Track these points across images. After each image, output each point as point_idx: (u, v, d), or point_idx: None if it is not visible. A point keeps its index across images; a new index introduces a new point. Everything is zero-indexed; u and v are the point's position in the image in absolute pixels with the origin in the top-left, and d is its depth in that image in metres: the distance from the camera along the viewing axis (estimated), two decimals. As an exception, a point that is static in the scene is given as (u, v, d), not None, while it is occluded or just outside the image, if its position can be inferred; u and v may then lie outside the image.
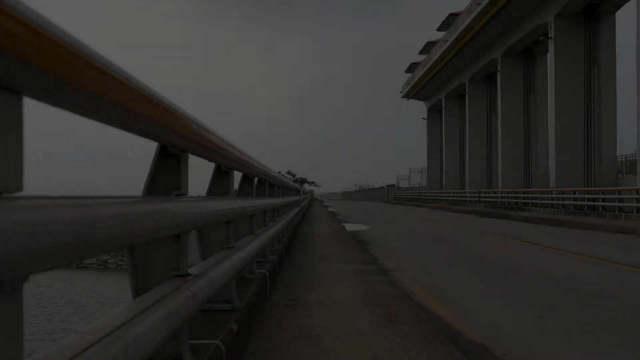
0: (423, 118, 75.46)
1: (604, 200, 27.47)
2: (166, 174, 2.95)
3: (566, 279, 9.35)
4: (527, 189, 39.51)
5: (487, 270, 10.44)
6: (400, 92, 77.38)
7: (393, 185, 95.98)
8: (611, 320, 6.34)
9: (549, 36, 36.03)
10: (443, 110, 65.65)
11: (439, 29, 59.71)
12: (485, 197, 43.96)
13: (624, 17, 35.11)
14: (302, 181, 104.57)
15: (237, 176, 5.81)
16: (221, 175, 4.62)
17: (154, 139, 2.62)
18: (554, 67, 35.35)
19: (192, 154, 3.12)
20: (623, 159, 33.96)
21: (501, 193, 41.08)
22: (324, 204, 65.69)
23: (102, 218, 1.58)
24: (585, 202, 28.91)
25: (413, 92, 71.80)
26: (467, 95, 55.87)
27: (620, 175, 33.67)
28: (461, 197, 51.33)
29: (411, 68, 72.81)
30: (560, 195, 31.45)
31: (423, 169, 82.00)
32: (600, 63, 34.45)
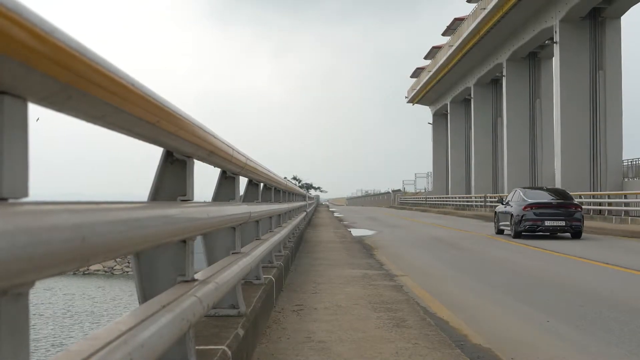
0: (429, 123, 75.44)
1: (610, 204, 27.40)
2: (172, 179, 2.95)
3: (578, 287, 9.32)
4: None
5: (493, 275, 10.42)
6: (406, 97, 77.35)
7: (399, 190, 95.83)
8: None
9: (554, 40, 36.00)
10: (448, 115, 65.61)
11: (444, 34, 59.71)
12: (491, 201, 43.85)
13: (627, 21, 35.03)
14: (308, 187, 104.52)
15: (243, 182, 5.82)
16: (227, 180, 4.62)
17: (160, 145, 2.62)
18: (559, 71, 35.30)
19: (198, 159, 3.12)
20: (629, 163, 33.90)
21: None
22: (330, 209, 65.66)
23: (108, 224, 1.58)
24: (591, 206, 28.84)
25: (418, 97, 71.77)
26: (472, 100, 55.83)
27: (626, 179, 33.59)
28: (467, 201, 51.22)
29: (416, 73, 72.79)
30: (567, 200, 31.35)
31: (429, 173, 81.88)
32: (605, 67, 34.39)
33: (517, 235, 19.35)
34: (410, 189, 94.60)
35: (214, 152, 3.16)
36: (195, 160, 3.06)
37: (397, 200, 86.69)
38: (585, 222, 20.48)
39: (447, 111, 66.23)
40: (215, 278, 3.17)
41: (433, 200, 64.07)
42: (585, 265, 11.76)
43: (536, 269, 11.37)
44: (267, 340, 5.04)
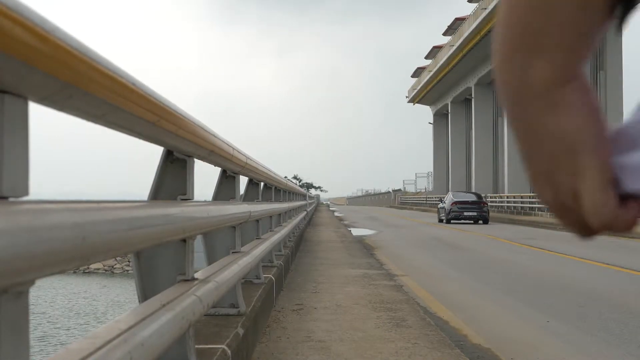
0: (429, 123, 75.41)
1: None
2: (172, 178, 2.95)
3: (576, 287, 9.34)
4: (534, 194, 39.33)
5: (493, 275, 10.42)
6: (406, 97, 77.32)
7: (399, 190, 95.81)
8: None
9: (555, 40, 35.97)
10: (449, 114, 65.55)
11: (445, 34, 59.68)
12: (491, 202, 43.81)
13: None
14: (309, 186, 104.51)
15: (243, 181, 5.82)
16: (227, 179, 4.63)
17: (160, 144, 2.62)
18: (560, 71, 35.26)
19: (198, 158, 3.12)
20: (630, 164, 33.87)
21: (507, 198, 40.97)
22: (330, 208, 65.66)
23: (108, 223, 1.58)
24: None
25: (419, 97, 71.73)
26: (473, 100, 55.76)
27: (627, 180, 33.56)
28: (467, 201, 51.18)
29: (417, 73, 72.77)
30: (567, 200, 31.35)
31: (429, 173, 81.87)
32: (606, 67, 34.42)
33: (448, 221, 29.94)
34: (410, 188, 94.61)
35: (214, 151, 3.16)
36: (195, 160, 3.06)
37: (398, 200, 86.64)
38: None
39: (447, 111, 66.16)
40: (215, 277, 3.17)
41: (433, 200, 63.87)
42: (579, 263, 11.80)
43: (536, 269, 11.39)
44: (267, 339, 5.04)
